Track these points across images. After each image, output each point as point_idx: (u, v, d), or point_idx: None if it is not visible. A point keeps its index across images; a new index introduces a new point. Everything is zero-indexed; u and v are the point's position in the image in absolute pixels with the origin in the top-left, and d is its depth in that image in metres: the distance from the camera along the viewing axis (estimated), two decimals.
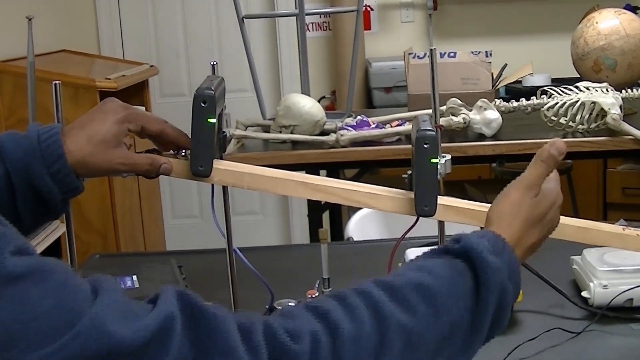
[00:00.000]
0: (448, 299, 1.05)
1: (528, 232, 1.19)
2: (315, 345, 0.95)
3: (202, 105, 1.29)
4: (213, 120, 1.30)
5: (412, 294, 1.04)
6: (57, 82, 1.37)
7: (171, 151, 1.41)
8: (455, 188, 4.51)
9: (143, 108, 4.53)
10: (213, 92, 1.29)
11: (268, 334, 0.94)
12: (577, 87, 3.06)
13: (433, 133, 1.28)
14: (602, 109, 2.98)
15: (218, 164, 1.36)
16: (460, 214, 1.36)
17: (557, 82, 4.13)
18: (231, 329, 0.91)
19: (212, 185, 1.42)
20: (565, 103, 3.03)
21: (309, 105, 3.08)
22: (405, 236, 1.39)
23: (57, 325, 0.81)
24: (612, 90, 3.03)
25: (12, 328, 0.79)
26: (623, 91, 3.10)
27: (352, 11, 3.52)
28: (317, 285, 1.79)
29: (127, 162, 1.33)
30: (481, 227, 1.25)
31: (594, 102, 2.99)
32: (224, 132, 1.42)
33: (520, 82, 4.77)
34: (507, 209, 1.20)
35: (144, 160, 1.35)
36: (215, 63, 1.47)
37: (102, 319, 0.83)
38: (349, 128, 3.07)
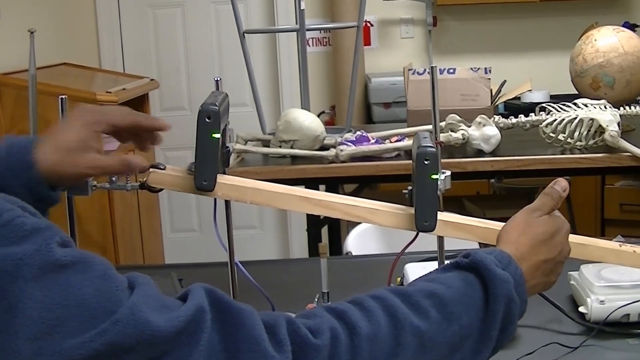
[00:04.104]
0: (459, 307, 1.11)
1: (535, 248, 1.24)
2: (334, 340, 1.00)
3: (207, 120, 1.30)
4: (217, 136, 1.31)
5: (425, 301, 1.10)
6: (63, 96, 1.38)
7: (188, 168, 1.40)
8: (454, 204, 4.53)
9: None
10: (218, 108, 1.30)
11: (291, 329, 0.99)
12: (575, 104, 3.08)
13: (433, 149, 1.30)
14: (600, 125, 2.99)
15: (221, 179, 1.37)
16: (459, 230, 1.37)
17: (556, 98, 4.15)
18: (257, 323, 0.96)
19: (215, 199, 1.43)
20: (563, 120, 3.05)
21: (308, 120, 3.10)
22: (405, 251, 1.41)
23: (97, 313, 0.85)
24: (610, 107, 3.05)
25: (56, 313, 0.83)
26: (621, 108, 3.12)
27: (352, 27, 3.54)
28: (316, 299, 1.80)
29: (94, 165, 1.30)
30: (480, 245, 1.29)
31: (592, 119, 3.01)
32: (228, 147, 1.43)
33: (519, 98, 4.79)
34: (513, 229, 1.26)
35: (114, 162, 1.32)
36: (219, 79, 1.48)
37: (139, 308, 0.87)
38: (349, 143, 3.08)
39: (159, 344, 0.88)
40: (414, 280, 1.17)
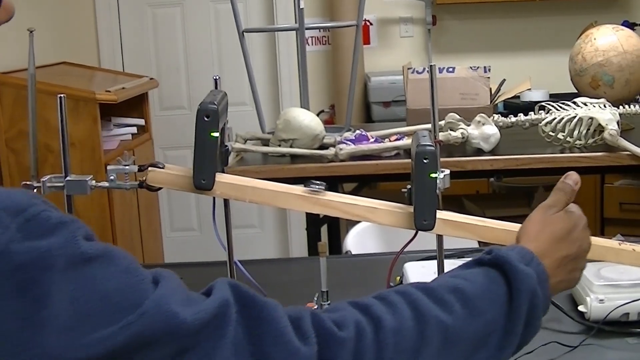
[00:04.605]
0: (483, 302, 1.11)
1: (555, 245, 1.24)
2: (359, 333, 1.00)
3: (206, 119, 1.30)
4: (216, 134, 1.31)
5: (449, 295, 1.09)
6: (62, 95, 1.37)
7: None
8: (453, 203, 4.52)
9: (143, 121, 4.55)
10: (216, 107, 1.30)
11: (315, 322, 0.99)
12: (575, 103, 3.08)
13: (432, 148, 1.30)
14: (599, 124, 2.99)
15: (220, 178, 1.37)
16: (458, 228, 1.37)
17: (555, 97, 4.15)
18: (281, 316, 0.96)
19: (214, 198, 1.43)
20: (563, 118, 3.04)
21: (308, 119, 3.10)
22: (404, 250, 1.41)
23: (123, 305, 0.85)
24: (609, 106, 3.05)
25: (83, 306, 0.83)
26: (620, 107, 3.12)
27: (352, 26, 3.54)
28: (315, 298, 1.80)
29: None
30: (480, 244, 1.29)
31: (591, 118, 3.01)
32: (226, 146, 1.43)
33: (518, 97, 4.79)
34: (532, 227, 1.26)
35: None
36: (218, 78, 1.48)
37: (165, 301, 0.88)
38: (348, 142, 3.08)
39: (185, 336, 0.88)
40: (436, 278, 1.17)
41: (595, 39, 3.40)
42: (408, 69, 3.63)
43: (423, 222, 1.32)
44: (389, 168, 3.07)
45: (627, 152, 2.99)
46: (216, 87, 1.46)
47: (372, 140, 3.11)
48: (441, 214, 1.35)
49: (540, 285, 1.15)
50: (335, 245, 3.75)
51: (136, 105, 4.52)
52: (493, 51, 5.62)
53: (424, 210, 1.32)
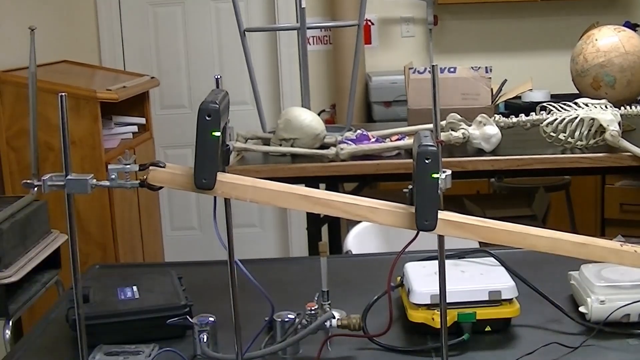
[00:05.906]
0: None
1: None
2: None
3: (207, 118, 1.30)
4: (217, 134, 1.31)
5: None
6: (63, 93, 1.37)
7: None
8: (454, 203, 4.52)
9: (144, 120, 4.55)
10: (218, 106, 1.30)
11: None
12: (576, 104, 3.08)
13: (434, 148, 1.30)
14: (600, 125, 2.99)
15: (221, 177, 1.37)
16: (460, 229, 1.37)
17: (557, 98, 4.15)
18: None
19: (215, 197, 1.43)
20: (564, 119, 3.04)
21: (309, 119, 3.09)
22: (405, 250, 1.40)
23: None
24: (611, 106, 3.05)
25: None
26: (622, 108, 3.12)
27: (353, 25, 3.54)
28: (316, 298, 1.80)
29: None
30: (480, 244, 1.28)
31: (592, 119, 3.01)
32: (227, 145, 1.43)
33: (519, 97, 4.78)
34: None
35: None
36: (219, 77, 1.48)
37: None
38: (349, 142, 3.08)
39: None
40: None
41: (596, 39, 3.40)
42: (409, 68, 3.63)
43: (424, 222, 1.32)
44: (390, 168, 3.07)
45: (628, 153, 2.99)
46: (217, 86, 1.45)
47: (373, 140, 3.11)
48: (442, 215, 1.35)
49: None
50: (336, 245, 3.74)
51: (137, 104, 4.52)
52: (494, 51, 5.62)
53: (426, 210, 1.32)
